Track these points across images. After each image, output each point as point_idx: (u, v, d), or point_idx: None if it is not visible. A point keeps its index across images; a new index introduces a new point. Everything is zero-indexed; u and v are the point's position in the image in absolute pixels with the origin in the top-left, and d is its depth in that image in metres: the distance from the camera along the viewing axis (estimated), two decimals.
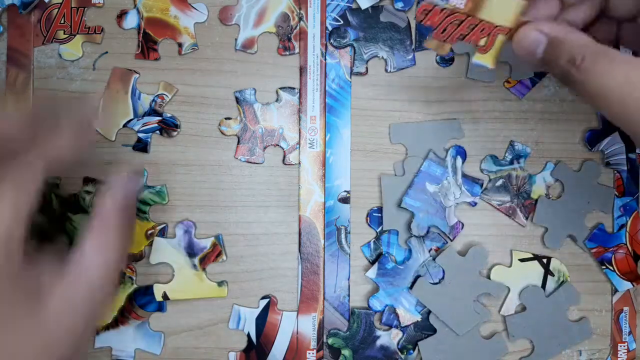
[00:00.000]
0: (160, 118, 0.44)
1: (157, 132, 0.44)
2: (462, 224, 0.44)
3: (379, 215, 0.44)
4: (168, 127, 0.44)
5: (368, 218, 0.44)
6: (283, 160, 0.44)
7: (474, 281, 0.43)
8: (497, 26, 0.33)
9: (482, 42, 0.33)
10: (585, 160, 0.45)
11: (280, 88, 0.44)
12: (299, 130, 0.44)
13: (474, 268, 0.44)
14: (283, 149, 0.44)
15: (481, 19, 0.33)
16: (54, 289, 0.30)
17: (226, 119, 0.44)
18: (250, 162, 0.44)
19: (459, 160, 0.44)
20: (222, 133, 0.44)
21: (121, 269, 0.33)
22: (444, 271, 0.43)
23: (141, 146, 0.44)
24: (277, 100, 0.44)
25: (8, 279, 0.29)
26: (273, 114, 0.44)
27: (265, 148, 0.44)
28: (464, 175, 0.44)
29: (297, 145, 0.44)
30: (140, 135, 0.44)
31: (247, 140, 0.44)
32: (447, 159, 0.44)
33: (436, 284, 0.43)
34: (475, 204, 0.44)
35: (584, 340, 0.44)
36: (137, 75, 0.44)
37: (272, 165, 0.44)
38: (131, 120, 0.44)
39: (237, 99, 0.44)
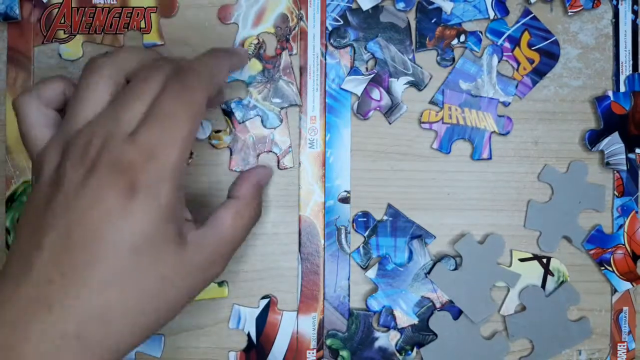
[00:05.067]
0: None
1: None
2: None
3: (364, 219, 0.44)
4: None
5: (354, 224, 0.44)
6: (278, 164, 0.44)
7: (491, 269, 0.44)
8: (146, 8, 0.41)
9: (142, 24, 0.41)
10: (573, 160, 0.45)
11: (282, 109, 0.44)
12: (299, 129, 0.44)
13: (492, 256, 0.44)
14: (276, 154, 0.44)
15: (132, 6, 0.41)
16: (190, 231, 0.32)
17: (216, 132, 0.44)
18: None
19: (495, 58, 0.44)
20: (214, 147, 0.44)
21: (244, 239, 0.35)
22: (461, 258, 0.44)
23: None
24: (281, 122, 0.44)
25: (171, 210, 0.30)
26: (260, 123, 0.44)
27: (258, 155, 0.44)
28: (499, 74, 0.44)
29: (290, 149, 0.44)
30: None
31: (239, 150, 0.44)
32: (482, 57, 0.44)
33: (454, 269, 0.44)
34: (509, 103, 0.44)
35: (584, 340, 0.44)
36: None
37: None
38: None
39: (223, 110, 0.44)
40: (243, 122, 0.44)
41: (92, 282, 0.28)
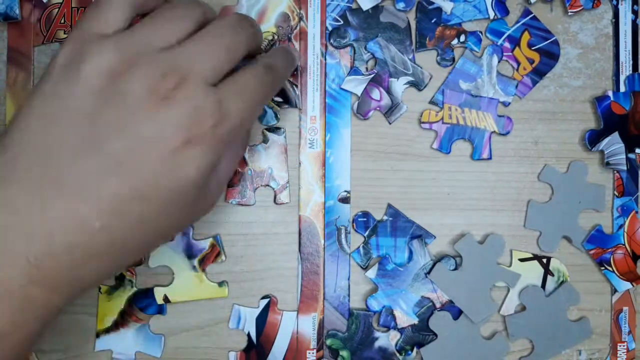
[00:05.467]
0: None
1: None
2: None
3: (364, 219, 0.44)
4: None
5: (354, 224, 0.44)
6: (274, 199, 0.44)
7: (491, 269, 0.44)
8: None
9: None
10: (573, 160, 0.45)
11: (266, 129, 0.44)
12: (299, 129, 0.44)
13: (492, 256, 0.44)
14: (273, 188, 0.44)
15: None
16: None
17: None
18: (242, 205, 0.44)
19: (495, 58, 0.44)
20: None
21: (248, 127, 0.35)
22: (461, 258, 0.44)
23: None
24: (264, 141, 0.44)
25: (212, 169, 0.31)
26: (261, 155, 0.44)
27: (255, 189, 0.44)
28: (499, 74, 0.44)
29: (287, 184, 0.44)
30: None
31: (236, 183, 0.44)
32: (482, 57, 0.44)
33: (454, 269, 0.44)
34: (509, 103, 0.44)
35: (584, 340, 0.44)
36: None
37: (263, 205, 0.44)
38: None
39: None
40: None
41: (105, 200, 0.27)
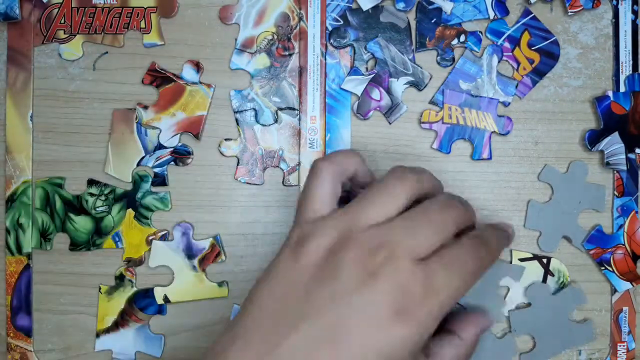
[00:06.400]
0: (172, 149, 0.44)
1: (172, 163, 0.44)
2: None
3: None
4: (181, 155, 0.44)
5: None
6: (283, 181, 0.44)
7: (494, 267, 0.43)
8: (146, 8, 0.42)
9: (142, 24, 0.41)
10: (573, 160, 0.45)
11: (280, 109, 0.44)
12: (299, 129, 0.44)
13: None
14: (283, 170, 0.44)
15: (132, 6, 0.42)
16: None
17: (226, 140, 0.44)
18: (250, 184, 0.44)
19: (495, 58, 0.44)
20: (222, 154, 0.44)
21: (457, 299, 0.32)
22: None
23: (159, 181, 0.44)
24: (276, 121, 0.44)
25: (421, 345, 0.30)
26: (273, 136, 0.44)
27: (264, 169, 0.44)
28: (499, 74, 0.44)
29: (297, 167, 0.44)
30: (156, 170, 0.44)
31: (246, 161, 0.44)
32: (482, 57, 0.44)
33: None
34: (509, 103, 0.44)
35: (586, 343, 0.44)
36: (139, 112, 0.44)
37: (271, 187, 0.44)
38: (143, 157, 0.44)
39: (237, 120, 0.44)
40: (238, 112, 0.44)
41: None
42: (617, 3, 0.45)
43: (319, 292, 0.29)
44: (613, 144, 0.44)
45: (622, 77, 0.45)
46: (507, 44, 0.45)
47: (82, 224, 0.44)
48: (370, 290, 0.29)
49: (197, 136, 0.44)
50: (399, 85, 0.44)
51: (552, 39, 0.45)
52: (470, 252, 0.32)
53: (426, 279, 0.29)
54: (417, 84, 0.44)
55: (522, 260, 0.44)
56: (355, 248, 0.30)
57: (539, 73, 0.45)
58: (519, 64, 0.45)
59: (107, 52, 0.44)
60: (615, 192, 0.45)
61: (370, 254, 0.29)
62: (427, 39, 0.44)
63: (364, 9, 0.44)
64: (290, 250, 0.32)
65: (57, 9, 0.44)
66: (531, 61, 0.45)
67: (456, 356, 0.34)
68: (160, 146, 0.44)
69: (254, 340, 0.29)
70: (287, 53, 0.44)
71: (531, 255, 0.45)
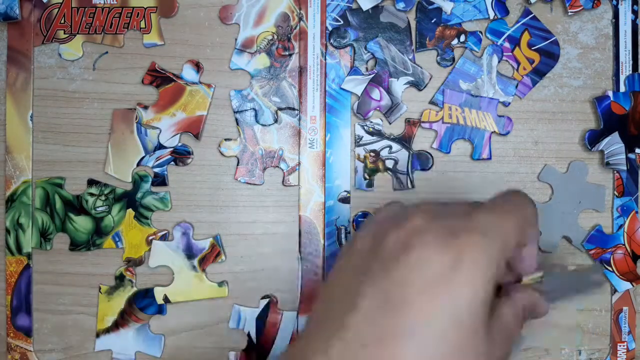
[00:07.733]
0: (172, 149, 0.44)
1: (172, 163, 0.44)
2: None
3: (364, 220, 0.44)
4: (181, 155, 0.44)
5: (354, 224, 0.44)
6: (283, 181, 0.44)
7: None
8: (146, 8, 0.43)
9: (142, 24, 0.41)
10: (573, 160, 0.45)
11: (280, 109, 0.44)
12: (299, 129, 0.44)
13: None
14: (283, 170, 0.44)
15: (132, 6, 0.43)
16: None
17: (226, 140, 0.44)
18: (250, 184, 0.44)
19: (495, 58, 0.44)
20: (222, 154, 0.44)
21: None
22: None
23: (159, 181, 0.44)
24: (276, 121, 0.44)
25: (490, 290, 0.28)
26: (273, 136, 0.44)
27: (264, 169, 0.44)
28: (499, 74, 0.44)
29: (297, 167, 0.44)
30: (156, 170, 0.44)
31: (246, 161, 0.44)
32: (482, 57, 0.44)
33: None
34: (509, 103, 0.44)
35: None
36: (139, 112, 0.44)
37: (271, 187, 0.44)
38: (143, 157, 0.44)
39: (237, 120, 0.44)
40: (238, 112, 0.44)
41: (408, 351, 0.26)
42: (617, 3, 0.45)
43: (372, 270, 0.28)
44: (613, 144, 0.44)
45: (622, 77, 0.45)
46: (507, 44, 0.45)
47: (82, 224, 0.44)
48: (417, 248, 0.28)
49: (197, 136, 0.44)
50: (399, 85, 0.44)
51: (552, 39, 0.45)
52: (513, 209, 0.30)
53: (472, 223, 0.28)
54: (417, 84, 0.44)
55: None
56: (390, 221, 0.30)
57: (539, 73, 0.45)
58: (519, 64, 0.45)
59: (107, 52, 0.44)
60: (615, 192, 0.45)
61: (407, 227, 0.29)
62: (427, 39, 0.44)
63: (364, 9, 0.44)
64: (347, 244, 0.32)
65: (57, 9, 0.44)
66: (531, 61, 0.45)
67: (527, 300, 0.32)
68: (160, 146, 0.44)
69: (320, 328, 0.29)
70: (287, 53, 0.44)
71: None
